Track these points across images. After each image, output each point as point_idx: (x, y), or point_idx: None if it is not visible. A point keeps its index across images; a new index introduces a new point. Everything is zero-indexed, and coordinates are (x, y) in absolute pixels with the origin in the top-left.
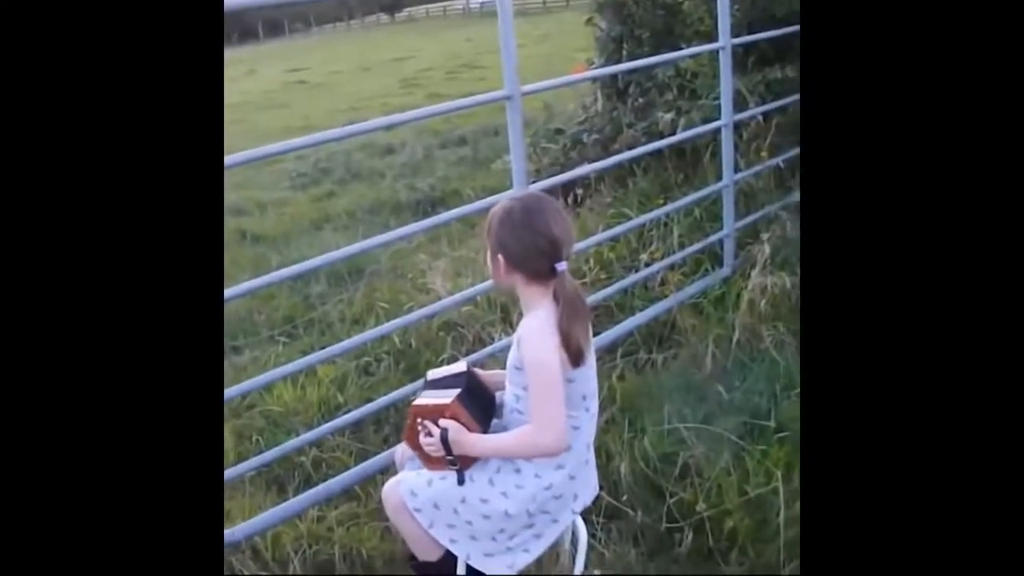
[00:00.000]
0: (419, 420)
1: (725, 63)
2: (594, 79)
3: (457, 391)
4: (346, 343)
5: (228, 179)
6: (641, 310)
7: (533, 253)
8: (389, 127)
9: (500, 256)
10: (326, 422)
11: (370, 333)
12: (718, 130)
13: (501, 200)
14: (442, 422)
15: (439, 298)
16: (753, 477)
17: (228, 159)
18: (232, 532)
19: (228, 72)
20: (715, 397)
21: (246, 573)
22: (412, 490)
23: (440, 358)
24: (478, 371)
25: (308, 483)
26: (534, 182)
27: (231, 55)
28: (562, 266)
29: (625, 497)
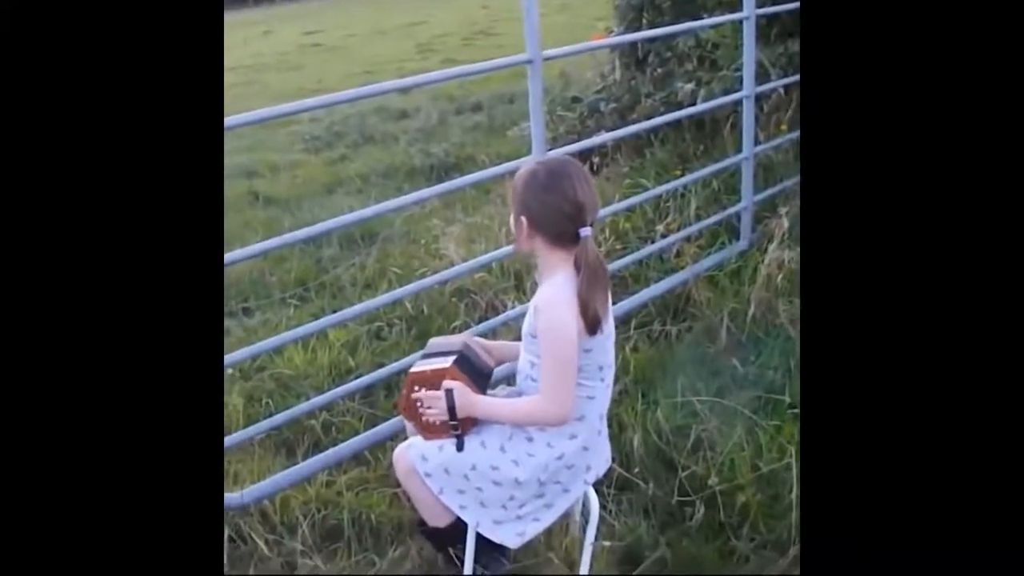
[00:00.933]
0: (416, 387)
1: (749, 33)
2: (613, 47)
3: (454, 355)
4: (358, 307)
5: (240, 141)
6: (656, 282)
7: (556, 216)
8: (405, 89)
9: (523, 218)
10: (336, 386)
11: (382, 298)
12: (738, 102)
13: (523, 164)
14: (446, 384)
15: (452, 264)
16: (766, 452)
17: (232, 119)
18: (240, 495)
19: (243, 33)
20: (729, 371)
21: (254, 536)
22: (423, 455)
23: (452, 324)
24: (478, 341)
25: (317, 447)
26: (550, 149)
27: (246, 16)
28: (586, 231)
29: (637, 469)
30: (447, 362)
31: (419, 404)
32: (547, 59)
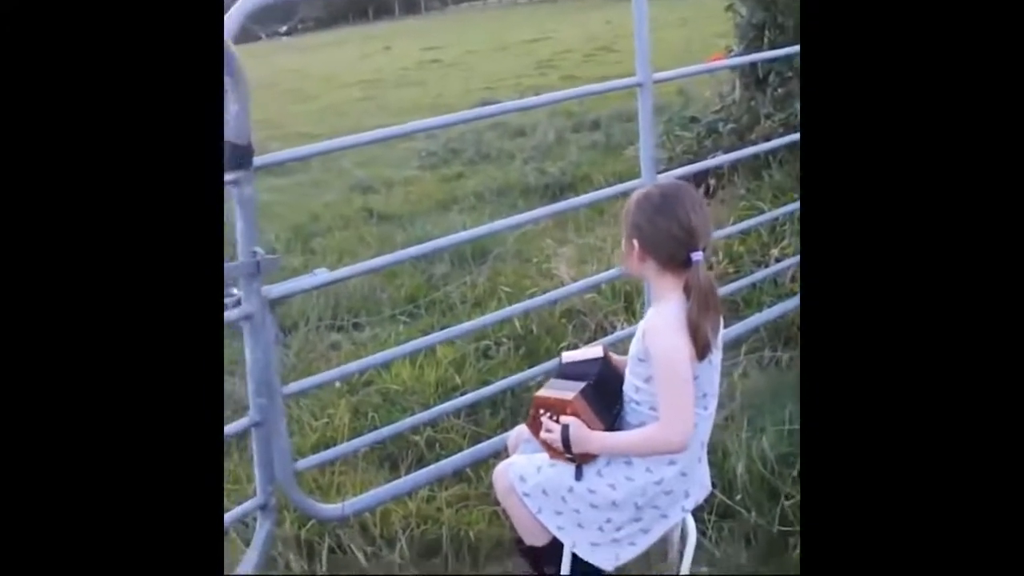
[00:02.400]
0: (541, 411)
1: None
2: (732, 67)
3: (582, 385)
4: (467, 325)
5: (356, 156)
6: (769, 306)
7: (668, 240)
8: (496, 115)
9: (635, 241)
10: (442, 403)
11: (491, 316)
12: None
13: (636, 187)
14: (563, 419)
15: (562, 284)
16: None
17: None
18: (341, 507)
19: (363, 48)
20: None
21: (353, 547)
22: (522, 475)
23: (560, 345)
24: (614, 356)
25: (421, 463)
26: (664, 171)
27: (366, 31)
28: (698, 256)
29: (739, 496)
30: (571, 393)
31: (543, 428)
32: (657, 82)
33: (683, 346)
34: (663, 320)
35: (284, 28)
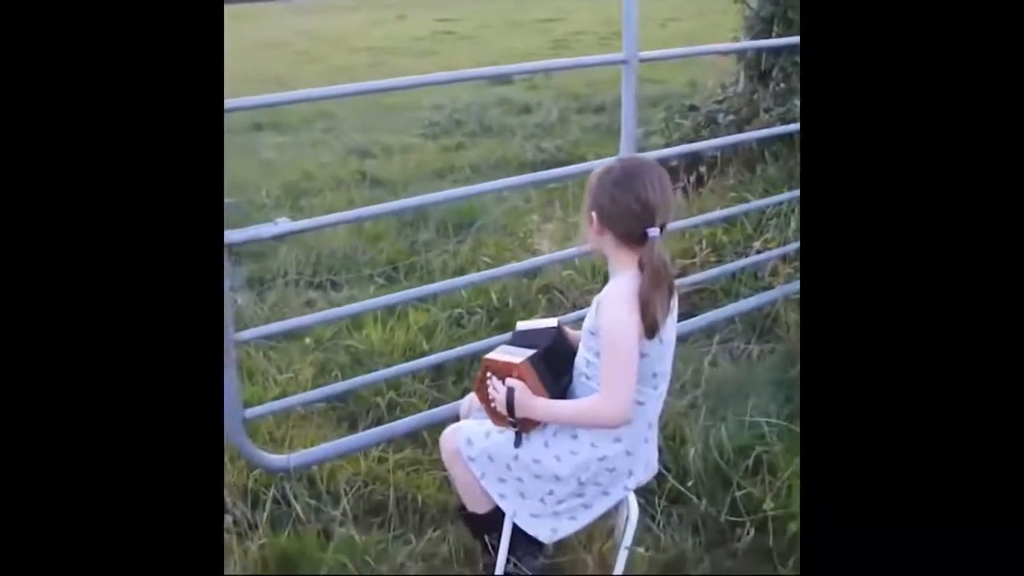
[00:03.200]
0: (488, 374)
1: None
2: (725, 54)
3: (532, 352)
4: (435, 286)
5: (358, 120)
6: (746, 298)
7: (625, 214)
8: (457, 81)
9: (593, 213)
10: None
11: (458, 280)
12: None
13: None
14: (509, 381)
15: None
16: None
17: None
18: (287, 458)
19: (376, 15)
20: None
21: (295, 499)
22: (469, 438)
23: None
24: (568, 330)
25: (380, 424)
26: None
27: None
28: (653, 232)
29: (692, 483)
30: (520, 357)
31: (488, 390)
32: (643, 60)
33: (631, 321)
34: (616, 294)
35: None
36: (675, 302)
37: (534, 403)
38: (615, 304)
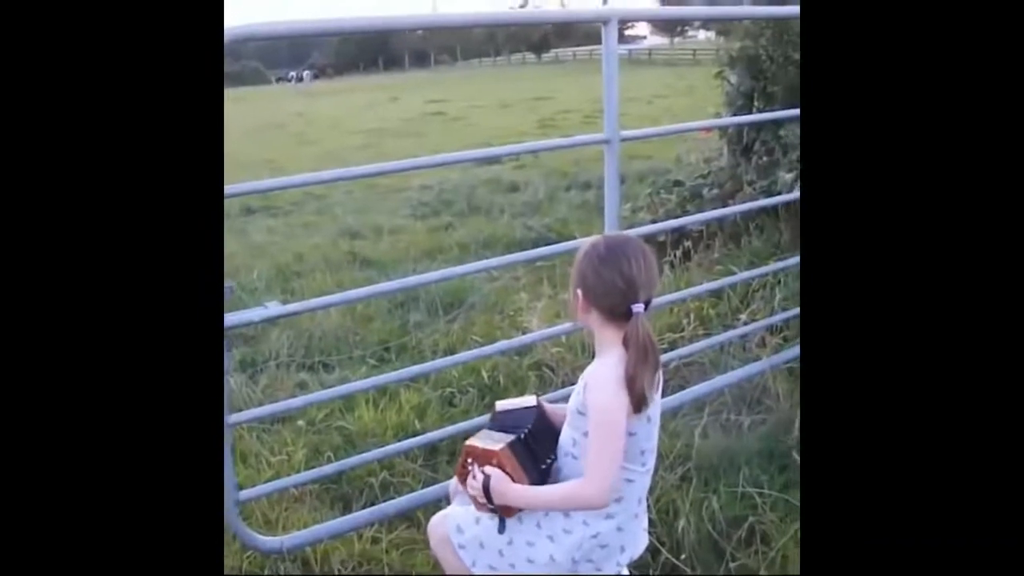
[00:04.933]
0: (469, 460)
1: None
2: (722, 133)
3: (511, 438)
4: (427, 365)
5: (352, 203)
6: (735, 369)
7: (610, 291)
8: (442, 164)
9: (579, 291)
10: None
11: (449, 359)
12: None
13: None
14: (487, 469)
15: None
16: None
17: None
18: (280, 540)
19: (370, 97)
20: (796, 466)
21: None
22: (459, 526)
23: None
24: (548, 407)
25: (374, 505)
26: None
27: (375, 81)
28: (638, 308)
29: (685, 556)
30: (500, 443)
31: (469, 477)
32: (624, 140)
33: (619, 401)
34: (603, 373)
35: (293, 74)
36: (660, 378)
37: (511, 490)
38: (605, 384)
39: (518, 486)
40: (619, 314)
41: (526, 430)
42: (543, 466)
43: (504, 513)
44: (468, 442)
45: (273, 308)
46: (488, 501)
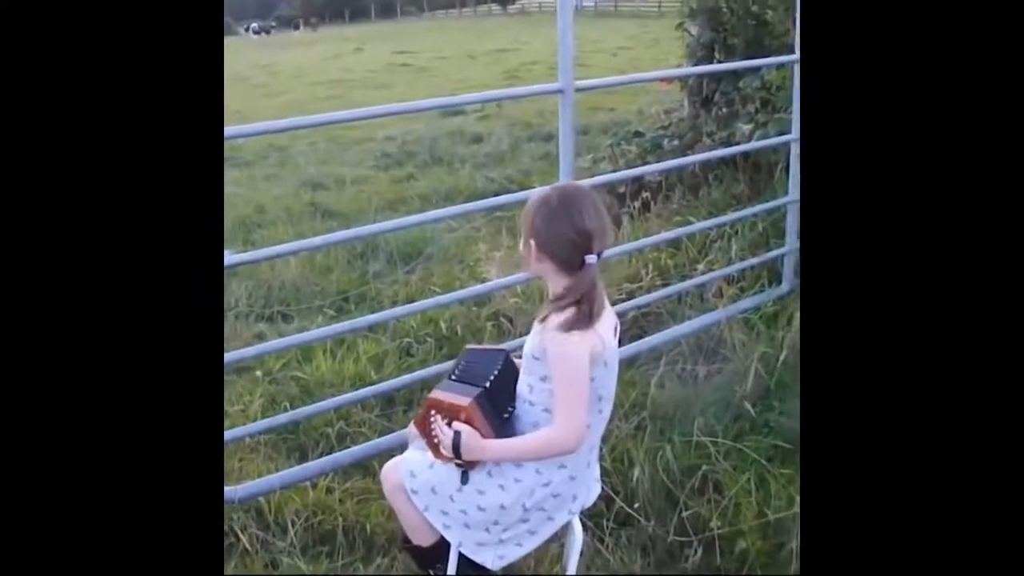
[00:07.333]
0: (433, 413)
1: (797, 76)
2: (683, 85)
3: (477, 391)
4: (383, 314)
5: (315, 154)
6: (691, 319)
7: (563, 242)
8: (396, 113)
9: (532, 242)
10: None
11: (407, 307)
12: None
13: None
14: (456, 425)
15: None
16: (774, 500)
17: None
18: (234, 490)
19: (335, 48)
20: (750, 416)
21: (241, 532)
22: (412, 471)
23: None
24: (515, 360)
25: (330, 454)
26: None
27: (341, 32)
28: (591, 259)
29: (639, 505)
30: (466, 399)
31: (432, 428)
32: (579, 90)
33: (580, 348)
34: (560, 322)
35: (257, 25)
36: (617, 326)
37: (483, 446)
38: (562, 334)
39: (490, 442)
40: (573, 265)
41: (490, 380)
42: (504, 415)
43: (469, 466)
44: (432, 394)
45: (231, 256)
46: (457, 456)
